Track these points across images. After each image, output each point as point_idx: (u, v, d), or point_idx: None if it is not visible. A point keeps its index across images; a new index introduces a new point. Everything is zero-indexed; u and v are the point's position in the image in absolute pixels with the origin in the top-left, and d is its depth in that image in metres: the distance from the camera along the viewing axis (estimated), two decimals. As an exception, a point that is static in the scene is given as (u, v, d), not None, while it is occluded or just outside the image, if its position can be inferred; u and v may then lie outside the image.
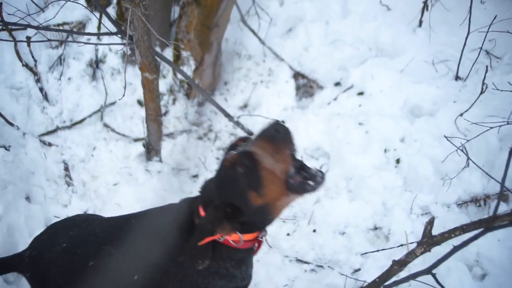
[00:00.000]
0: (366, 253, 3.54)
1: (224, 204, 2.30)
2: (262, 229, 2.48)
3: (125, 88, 3.34)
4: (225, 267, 2.45)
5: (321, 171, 2.27)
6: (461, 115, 4.03)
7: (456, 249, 2.15)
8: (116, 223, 2.73)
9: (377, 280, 2.47)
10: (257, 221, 2.38)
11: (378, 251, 3.48)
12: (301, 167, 2.28)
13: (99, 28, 5.03)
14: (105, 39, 4.92)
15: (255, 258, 3.61)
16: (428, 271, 2.28)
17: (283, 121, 2.36)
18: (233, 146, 2.39)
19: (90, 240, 2.61)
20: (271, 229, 3.86)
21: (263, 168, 2.19)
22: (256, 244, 2.54)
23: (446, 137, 3.49)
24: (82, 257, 2.54)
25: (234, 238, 2.36)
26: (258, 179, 2.19)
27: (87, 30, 5.00)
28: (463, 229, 2.13)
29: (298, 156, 2.30)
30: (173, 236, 2.46)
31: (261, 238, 2.54)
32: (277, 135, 2.19)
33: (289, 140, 2.24)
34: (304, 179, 2.25)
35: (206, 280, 2.44)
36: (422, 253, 2.27)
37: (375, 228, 3.79)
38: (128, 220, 2.69)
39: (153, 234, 2.55)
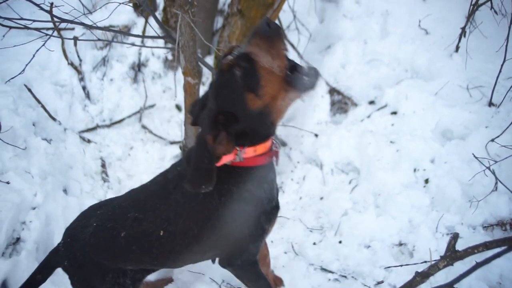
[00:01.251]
0: (389, 267, 3.57)
1: (217, 113, 2.20)
2: (267, 137, 2.37)
3: (175, 85, 3.40)
4: (247, 189, 2.36)
5: (314, 68, 2.21)
6: (492, 140, 4.03)
7: (478, 265, 2.18)
8: (136, 191, 2.76)
9: (399, 290, 2.52)
10: (257, 128, 2.29)
11: (401, 266, 3.51)
12: (294, 65, 2.21)
13: (143, 32, 5.20)
14: (149, 43, 5.08)
15: (280, 263, 3.74)
16: (450, 285, 2.29)
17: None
18: (228, 53, 2.26)
19: (117, 212, 2.65)
20: (298, 237, 3.99)
21: (261, 67, 2.12)
22: (274, 158, 2.46)
23: (474, 155, 3.54)
24: (113, 230, 2.58)
25: (247, 154, 2.29)
26: (256, 79, 2.12)
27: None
28: (486, 245, 2.18)
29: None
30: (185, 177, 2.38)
31: (276, 148, 2.45)
32: (270, 30, 2.09)
33: (282, 35, 2.15)
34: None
35: (231, 209, 2.34)
36: (445, 266, 2.31)
37: (400, 244, 3.82)
38: (146, 185, 2.73)
39: (170, 185, 2.52)
